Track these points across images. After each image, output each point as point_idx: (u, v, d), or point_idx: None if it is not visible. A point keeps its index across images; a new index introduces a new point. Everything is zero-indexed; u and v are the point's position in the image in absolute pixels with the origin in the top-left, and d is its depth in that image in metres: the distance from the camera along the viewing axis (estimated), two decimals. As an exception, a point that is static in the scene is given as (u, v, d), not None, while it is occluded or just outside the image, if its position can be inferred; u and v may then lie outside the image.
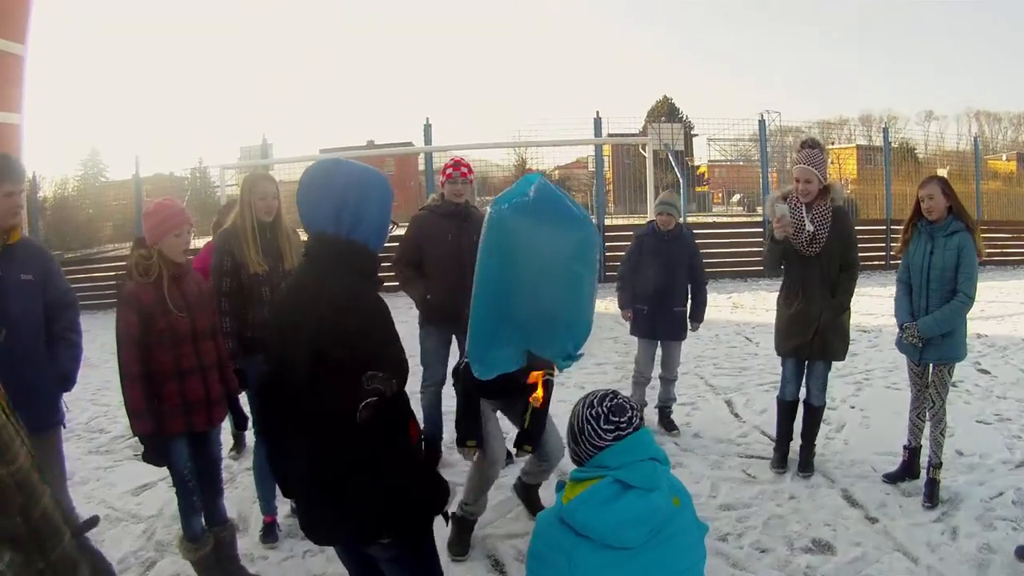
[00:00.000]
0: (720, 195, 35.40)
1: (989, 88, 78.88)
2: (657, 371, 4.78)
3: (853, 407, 5.08)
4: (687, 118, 46.55)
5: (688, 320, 4.67)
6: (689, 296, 4.66)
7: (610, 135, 14.20)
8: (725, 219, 20.25)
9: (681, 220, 4.75)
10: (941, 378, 3.63)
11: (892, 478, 3.80)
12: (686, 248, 4.60)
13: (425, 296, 3.99)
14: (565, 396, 5.40)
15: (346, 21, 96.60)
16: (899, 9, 79.93)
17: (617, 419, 1.70)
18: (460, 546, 3.18)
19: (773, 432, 4.27)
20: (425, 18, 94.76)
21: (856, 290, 3.89)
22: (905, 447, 3.85)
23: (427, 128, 12.11)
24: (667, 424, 4.73)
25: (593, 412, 1.72)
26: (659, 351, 4.73)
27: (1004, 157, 38.41)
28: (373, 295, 1.69)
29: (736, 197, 32.48)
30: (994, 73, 76.36)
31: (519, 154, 27.04)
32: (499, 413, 3.31)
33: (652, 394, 4.86)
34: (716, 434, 4.62)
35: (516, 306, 2.45)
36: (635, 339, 4.83)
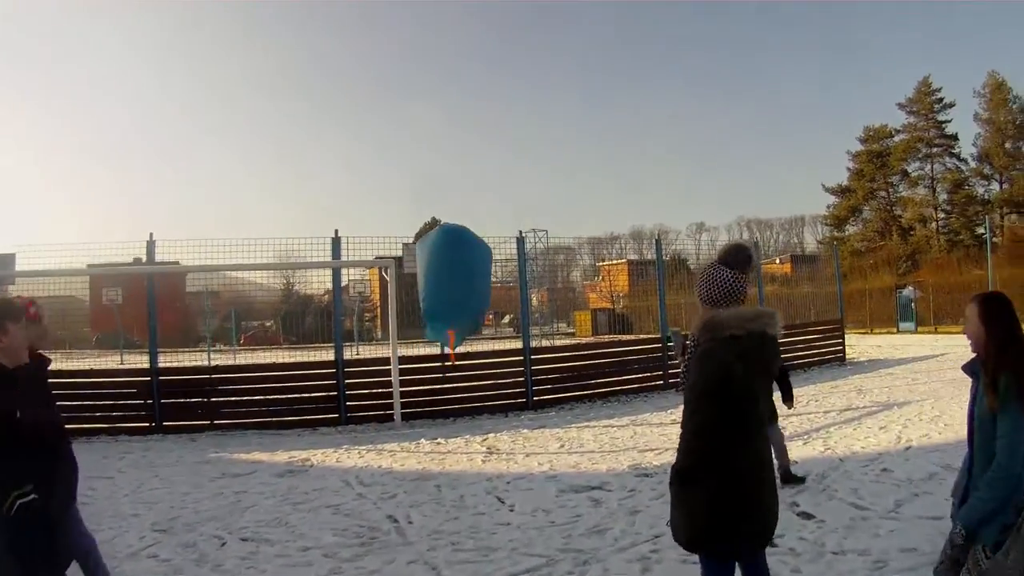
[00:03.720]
0: (491, 317, 36.65)
1: (759, 198, 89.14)
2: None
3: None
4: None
5: (783, 403, 5.56)
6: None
7: (379, 257, 13.66)
8: (486, 347, 19.66)
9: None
10: (975, 557, 2.59)
11: None
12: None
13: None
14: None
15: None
16: (663, 128, 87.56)
17: None
18: None
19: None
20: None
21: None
22: None
23: (150, 244, 10.01)
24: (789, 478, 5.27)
25: None
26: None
27: (778, 260, 43.35)
28: None
29: (507, 318, 33.83)
30: (764, 184, 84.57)
31: (286, 277, 26.02)
32: None
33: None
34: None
35: (442, 294, 4.28)
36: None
